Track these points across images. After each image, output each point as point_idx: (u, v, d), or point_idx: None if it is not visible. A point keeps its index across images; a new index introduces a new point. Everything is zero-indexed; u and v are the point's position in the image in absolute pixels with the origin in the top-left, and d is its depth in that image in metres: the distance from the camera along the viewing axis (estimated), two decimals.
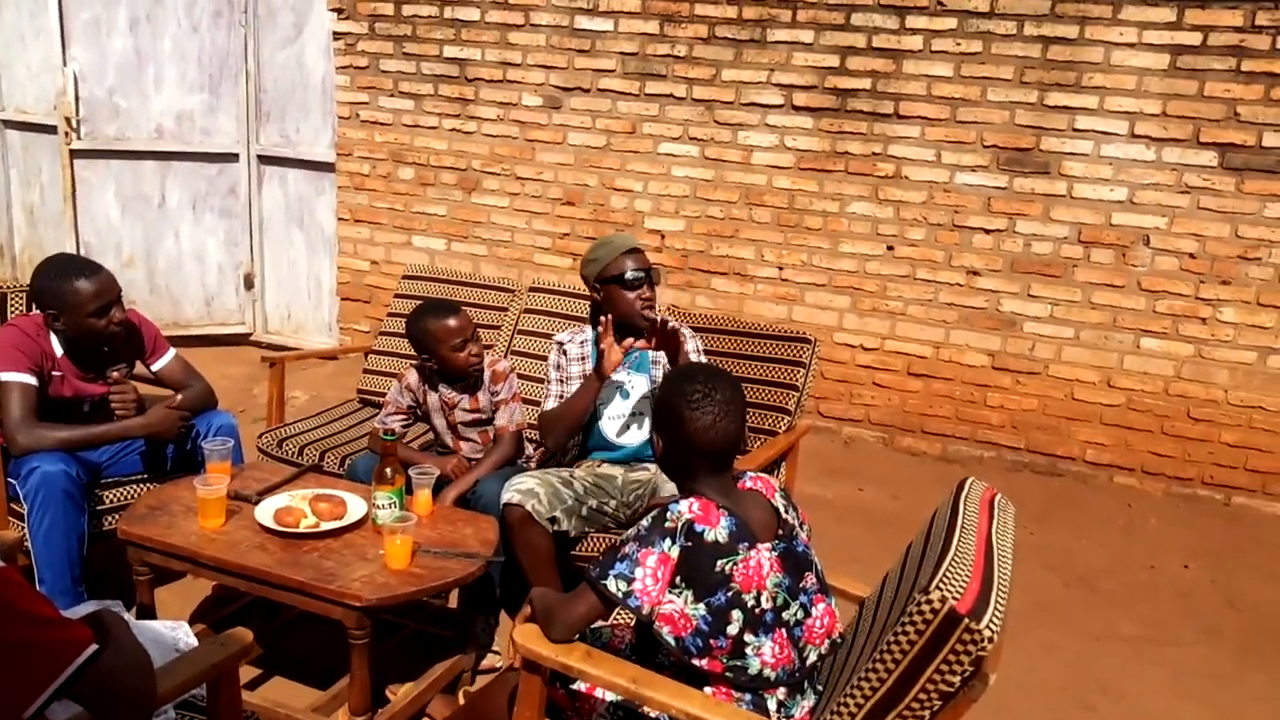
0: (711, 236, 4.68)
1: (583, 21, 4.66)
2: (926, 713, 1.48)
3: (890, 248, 4.44)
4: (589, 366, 2.92)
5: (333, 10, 5.08)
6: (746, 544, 1.72)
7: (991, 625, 1.42)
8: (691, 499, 1.75)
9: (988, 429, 4.48)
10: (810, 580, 1.81)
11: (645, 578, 1.70)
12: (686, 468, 1.81)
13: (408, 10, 4.94)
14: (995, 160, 4.21)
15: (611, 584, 1.70)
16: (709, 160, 4.61)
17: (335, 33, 5.11)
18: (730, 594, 1.70)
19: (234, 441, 2.67)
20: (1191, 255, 4.05)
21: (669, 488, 2.70)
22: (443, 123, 5.03)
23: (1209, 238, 4.02)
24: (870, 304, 4.52)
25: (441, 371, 2.93)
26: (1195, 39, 3.87)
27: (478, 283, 3.85)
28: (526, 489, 2.65)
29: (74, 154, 5.23)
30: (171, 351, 2.97)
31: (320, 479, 2.71)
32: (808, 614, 1.79)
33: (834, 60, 4.33)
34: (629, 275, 2.78)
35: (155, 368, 2.95)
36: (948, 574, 1.49)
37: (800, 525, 1.91)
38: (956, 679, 1.45)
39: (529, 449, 3.13)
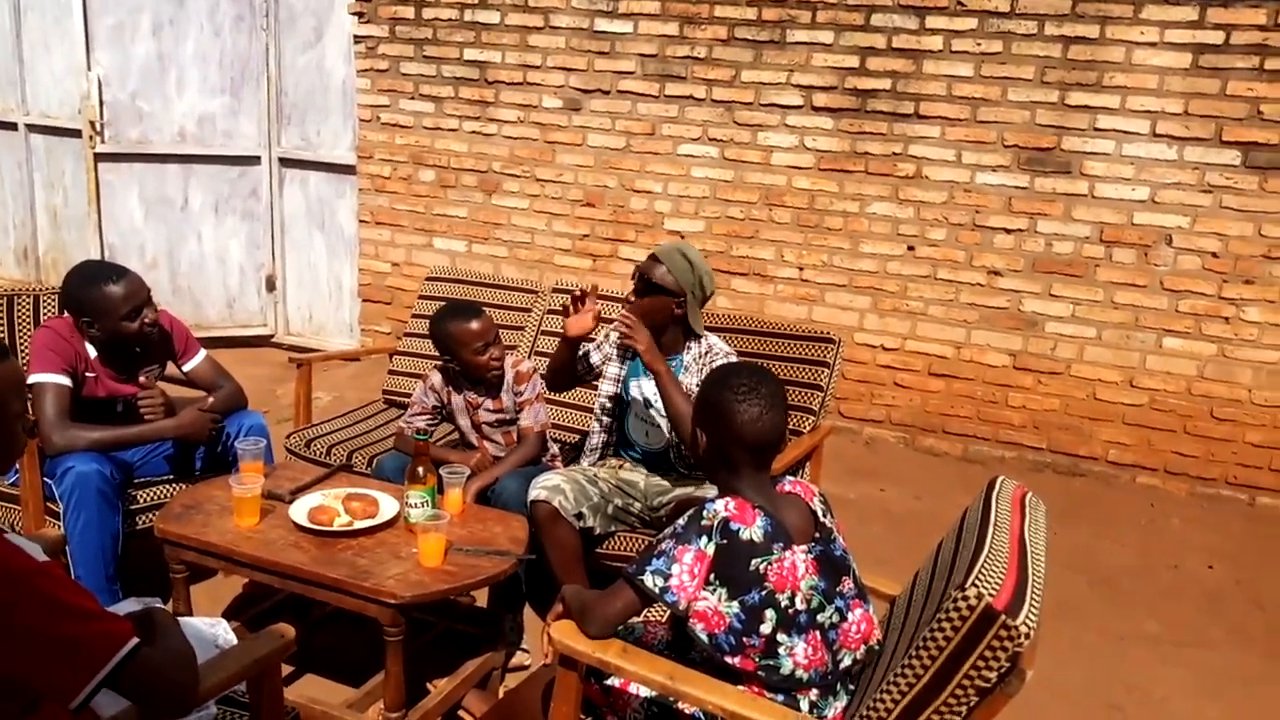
0: (731, 237, 4.69)
1: (602, 24, 4.68)
2: (963, 709, 1.49)
3: (911, 248, 4.44)
4: (626, 358, 2.94)
5: (353, 14, 5.12)
6: (781, 544, 1.73)
7: (1028, 621, 1.43)
8: (728, 498, 1.76)
9: (1009, 429, 4.48)
10: (848, 585, 1.82)
11: (682, 574, 1.71)
12: (729, 462, 1.82)
13: (428, 13, 4.98)
14: (1016, 160, 4.21)
15: (649, 579, 1.72)
16: (729, 161, 4.62)
17: (356, 36, 5.14)
18: (764, 593, 1.71)
19: (266, 441, 2.70)
20: (1214, 254, 4.04)
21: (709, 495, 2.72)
22: (463, 125, 5.06)
23: (1232, 237, 4.01)
24: (891, 304, 4.53)
25: (464, 373, 2.95)
26: (1218, 38, 3.87)
27: (500, 284, 3.88)
28: (553, 485, 2.67)
29: (98, 157, 5.29)
30: (202, 353, 3.00)
31: (351, 478, 2.74)
32: (844, 618, 1.80)
33: (854, 61, 4.33)
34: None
35: (186, 368, 2.98)
36: (983, 571, 1.50)
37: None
38: (993, 675, 1.46)
39: (553, 448, 3.15)
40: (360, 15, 5.11)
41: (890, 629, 1.92)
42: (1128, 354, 4.24)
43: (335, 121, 5.39)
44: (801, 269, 4.62)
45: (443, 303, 3.77)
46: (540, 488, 2.67)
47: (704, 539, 1.72)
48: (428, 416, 3.03)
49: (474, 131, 5.05)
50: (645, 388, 2.88)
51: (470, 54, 4.95)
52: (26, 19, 5.53)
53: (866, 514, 3.96)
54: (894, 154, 4.37)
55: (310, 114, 5.41)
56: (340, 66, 5.27)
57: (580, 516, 2.69)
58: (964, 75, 4.20)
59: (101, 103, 5.22)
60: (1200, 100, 3.92)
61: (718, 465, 1.85)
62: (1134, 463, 4.33)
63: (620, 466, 2.95)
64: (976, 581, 1.46)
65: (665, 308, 2.76)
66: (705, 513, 1.74)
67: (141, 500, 2.76)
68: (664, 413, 2.78)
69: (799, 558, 1.75)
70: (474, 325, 2.84)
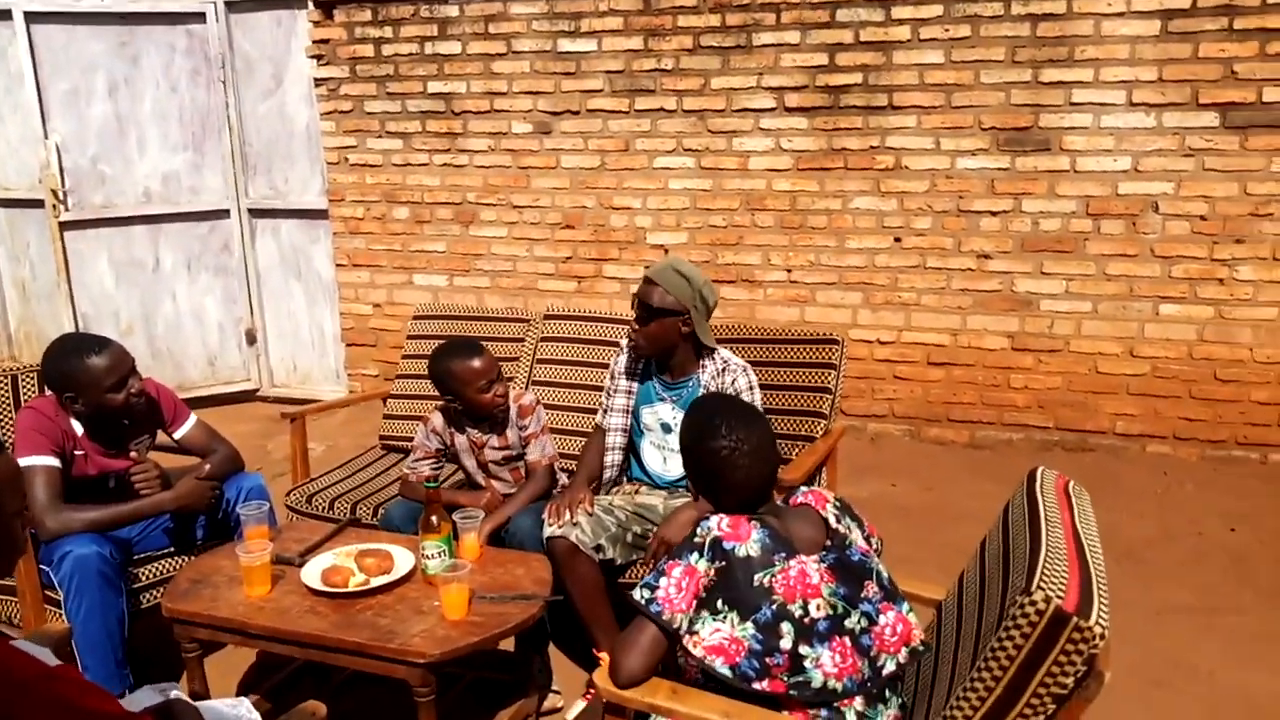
0: (716, 246, 4.64)
1: (566, 44, 4.62)
2: (1040, 718, 1.43)
3: (897, 239, 4.40)
4: (633, 387, 2.87)
5: (312, 57, 5.04)
6: (784, 554, 1.68)
7: (1100, 621, 1.37)
8: (720, 515, 1.73)
9: (1014, 411, 4.44)
10: (872, 588, 1.75)
11: (669, 586, 1.69)
12: (730, 510, 1.79)
13: (388, 50, 4.91)
14: (995, 142, 4.18)
15: (637, 593, 1.71)
16: (706, 170, 4.57)
17: (316, 79, 5.07)
18: (775, 606, 1.66)
19: (268, 504, 2.60)
20: (1202, 217, 4.02)
21: None
22: (433, 159, 4.99)
23: (1218, 198, 3.99)
24: (883, 297, 4.48)
25: (467, 412, 2.87)
26: (1185, 1, 3.85)
27: (490, 315, 3.80)
28: (568, 519, 2.60)
29: (63, 226, 5.17)
30: (193, 418, 2.90)
31: (359, 532, 2.65)
32: (873, 622, 1.73)
33: (823, 58, 4.30)
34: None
35: (178, 435, 2.88)
36: (1045, 572, 1.43)
37: (868, 538, 1.86)
38: (1069, 680, 1.39)
39: (562, 479, 3.07)
40: (319, 58, 5.03)
41: (942, 634, 1.85)
42: (1125, 324, 4.21)
43: (302, 167, 5.30)
44: (790, 271, 4.56)
45: (433, 341, 3.71)
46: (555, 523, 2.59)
47: (694, 555, 1.70)
48: (431, 460, 2.94)
49: (445, 164, 4.98)
50: (661, 412, 2.80)
51: (434, 86, 4.88)
52: None
53: (879, 510, 3.88)
54: (872, 147, 4.33)
55: (276, 162, 5.32)
56: (303, 111, 5.19)
57: (599, 549, 2.61)
58: (935, 62, 4.17)
59: (62, 170, 5.11)
60: (1174, 65, 3.91)
61: (717, 508, 1.82)
62: (1142, 432, 4.30)
63: (636, 491, 2.87)
64: (1041, 584, 1.40)
65: (672, 329, 2.69)
66: (699, 531, 1.73)
67: (144, 577, 2.65)
68: None
69: (809, 566, 1.70)
70: (476, 363, 2.76)
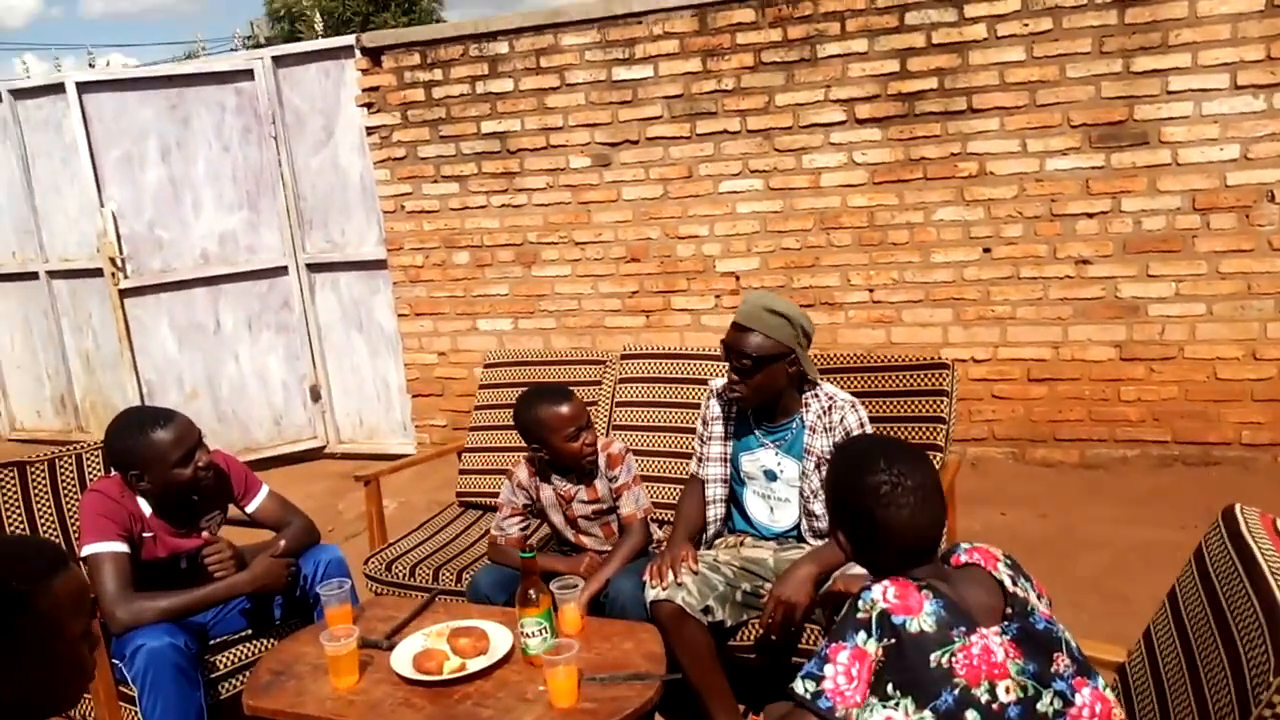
0: (791, 269, 4.41)
1: (621, 72, 4.46)
2: None
3: (987, 250, 4.13)
4: (730, 431, 2.64)
5: (362, 105, 4.94)
6: (963, 628, 1.42)
7: None
8: (885, 582, 1.46)
9: (1127, 426, 4.11)
10: (1062, 662, 1.48)
11: (837, 675, 1.42)
12: (887, 567, 1.53)
13: (438, 92, 4.79)
14: (1087, 139, 3.91)
15: (799, 685, 1.44)
16: (775, 191, 4.35)
17: (368, 128, 4.96)
18: (957, 692, 1.39)
19: (350, 582, 2.41)
20: None
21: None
22: (491, 200, 4.84)
23: None
24: (975, 312, 4.20)
25: (554, 462, 2.67)
26: None
27: (563, 359, 3.60)
28: (671, 580, 2.37)
29: (123, 294, 5.12)
30: (264, 489, 2.74)
31: (448, 605, 2.44)
32: (1068, 702, 1.46)
33: (893, 65, 4.07)
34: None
35: (250, 509, 2.71)
36: None
37: (1038, 597, 1.60)
38: None
39: (657, 533, 2.85)
40: (369, 106, 4.93)
41: (1138, 707, 1.58)
42: (1245, 325, 3.88)
43: (358, 218, 5.20)
44: (871, 290, 4.31)
45: (507, 389, 3.54)
46: (659, 585, 2.37)
47: (861, 634, 1.43)
48: (519, 519, 2.74)
49: (503, 205, 4.83)
50: (764, 459, 2.57)
51: (488, 126, 4.75)
52: (36, 165, 5.42)
53: (995, 544, 3.60)
54: (952, 154, 4.08)
55: (332, 214, 5.23)
56: (356, 161, 5.09)
57: (708, 610, 2.38)
58: (1016, 60, 3.91)
59: (119, 237, 5.07)
60: None
61: (869, 565, 1.56)
62: (1271, 441, 3.95)
63: (740, 543, 2.63)
64: None
65: (779, 375, 2.45)
66: (861, 604, 1.46)
67: (222, 666, 2.48)
68: (796, 482, 2.48)
69: (992, 641, 1.43)
70: (565, 409, 2.56)
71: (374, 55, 4.85)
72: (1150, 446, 4.10)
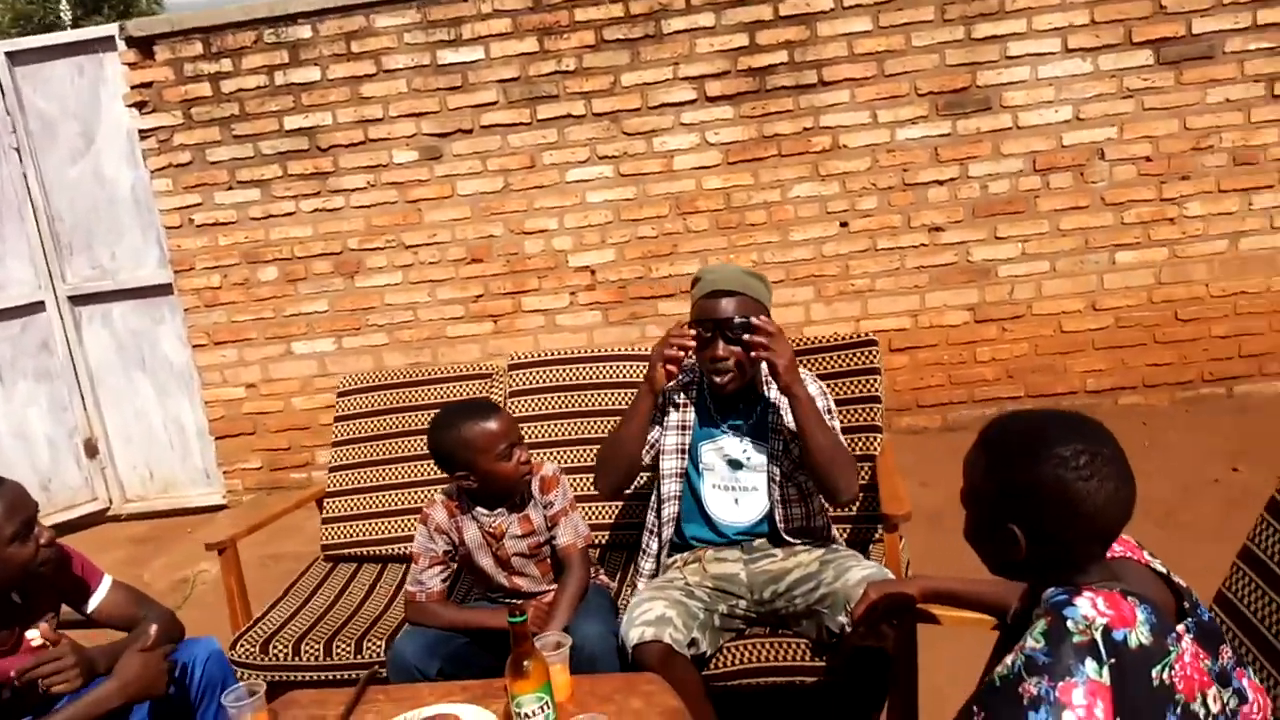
0: (648, 259, 4.17)
1: (447, 55, 4.03)
2: None
3: (844, 224, 4.09)
4: (687, 420, 2.34)
5: (131, 105, 4.19)
6: (1173, 635, 1.22)
7: None
8: (1088, 594, 1.22)
9: (984, 385, 4.22)
10: (1227, 653, 1.33)
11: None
12: (1071, 564, 1.29)
13: (228, 86, 4.13)
14: (934, 107, 3.94)
15: None
16: (626, 177, 4.10)
17: (141, 132, 4.21)
18: (1179, 710, 1.19)
19: (263, 687, 1.90)
20: (1147, 158, 3.93)
21: (840, 567, 2.16)
22: (301, 205, 4.25)
23: (1160, 137, 3.91)
24: (835, 288, 4.15)
25: (481, 492, 2.28)
26: None
27: (439, 376, 3.14)
28: (657, 616, 2.08)
29: None
30: (108, 580, 2.16)
31: (386, 691, 2.00)
32: (1244, 699, 1.30)
33: (742, 39, 3.92)
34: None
35: (91, 608, 2.12)
36: None
37: None
38: None
39: (593, 562, 2.51)
40: (141, 105, 4.18)
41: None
42: (1085, 279, 4.07)
43: (133, 238, 4.42)
44: None
45: (368, 419, 3.07)
46: (641, 624, 2.06)
47: (1090, 663, 1.17)
48: (440, 568, 2.32)
49: (316, 209, 4.25)
50: (728, 447, 2.30)
51: (292, 122, 4.15)
52: None
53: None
54: (806, 129, 3.99)
55: (98, 236, 4.42)
56: (125, 172, 4.32)
57: (693, 644, 2.10)
58: (863, 30, 3.88)
59: None
60: (1105, 6, 3.79)
61: (1049, 568, 1.31)
62: (1112, 386, 4.18)
63: (699, 558, 2.34)
64: None
65: None
66: (1072, 623, 1.19)
67: None
68: (764, 468, 2.23)
69: (1186, 644, 1.25)
70: (494, 425, 2.18)
71: (143, 46, 4.12)
72: (1005, 403, 4.22)
